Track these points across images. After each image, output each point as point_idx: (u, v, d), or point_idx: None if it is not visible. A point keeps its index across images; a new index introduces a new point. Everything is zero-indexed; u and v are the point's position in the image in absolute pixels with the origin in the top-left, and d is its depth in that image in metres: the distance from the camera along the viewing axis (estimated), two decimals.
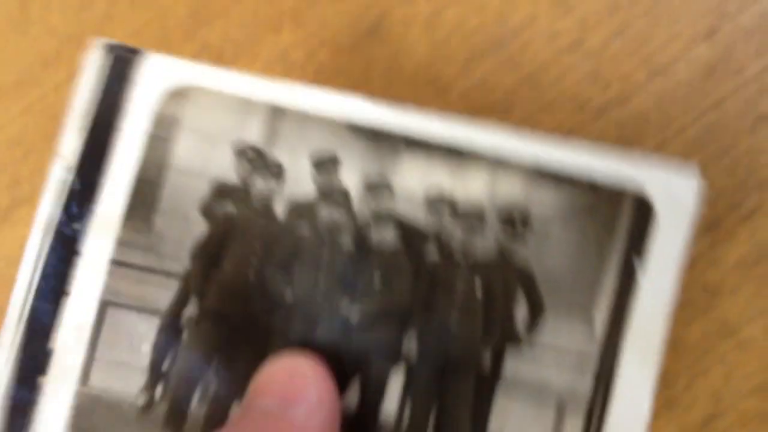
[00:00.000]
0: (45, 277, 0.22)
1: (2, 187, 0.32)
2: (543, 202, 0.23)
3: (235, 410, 0.22)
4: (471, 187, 0.23)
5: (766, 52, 0.30)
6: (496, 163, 0.23)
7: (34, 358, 0.22)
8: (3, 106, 0.33)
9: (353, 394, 0.23)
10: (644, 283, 0.23)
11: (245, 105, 0.23)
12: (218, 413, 0.22)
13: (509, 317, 0.23)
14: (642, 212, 0.23)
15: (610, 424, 0.22)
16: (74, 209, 0.22)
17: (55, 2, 0.34)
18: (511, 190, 0.23)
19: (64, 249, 0.22)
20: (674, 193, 0.23)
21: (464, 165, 0.23)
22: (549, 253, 0.23)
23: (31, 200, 0.31)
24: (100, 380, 0.22)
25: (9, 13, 0.34)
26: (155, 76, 0.23)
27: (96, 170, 0.22)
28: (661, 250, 0.23)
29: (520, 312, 0.23)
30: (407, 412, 0.23)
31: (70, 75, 0.31)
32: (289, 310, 0.23)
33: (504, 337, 0.23)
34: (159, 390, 0.22)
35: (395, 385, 0.23)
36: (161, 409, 0.22)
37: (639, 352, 0.22)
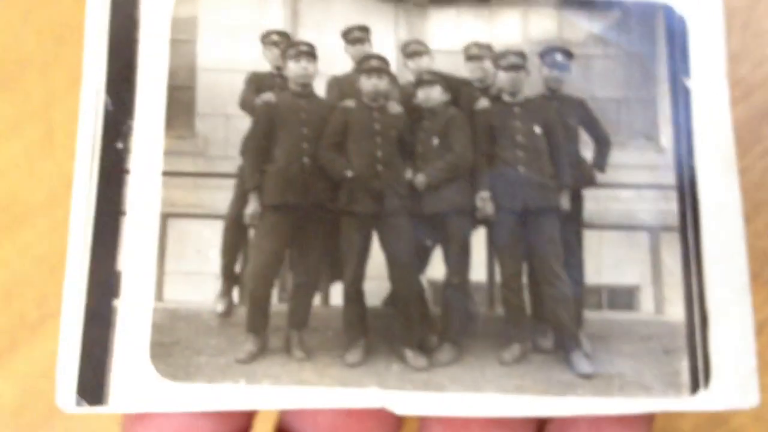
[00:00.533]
0: (99, 200, 0.20)
1: (30, 302, 0.32)
2: (579, 29, 0.23)
3: (317, 300, 0.21)
4: (505, 31, 0.22)
5: None
6: (526, 1, 0.22)
7: (103, 283, 0.20)
8: (31, 225, 0.34)
9: (438, 264, 0.22)
10: (698, 94, 0.22)
11: None
12: (300, 309, 0.21)
13: (577, 156, 0.22)
14: (674, 24, 0.22)
15: (708, 231, 0.21)
16: (113, 128, 0.21)
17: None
18: (545, 25, 0.23)
19: (112, 169, 0.21)
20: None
21: (495, 9, 0.22)
22: (597, 83, 0.23)
23: (59, 314, 0.31)
24: (174, 293, 0.21)
25: (36, 140, 0.35)
26: None
27: (126, 86, 0.21)
28: (704, 58, 0.22)
29: (588, 153, 0.22)
30: (498, 270, 0.22)
31: None
32: (352, 189, 0.22)
33: (577, 176, 0.22)
34: (236, 294, 0.21)
35: (479, 247, 0.22)
36: (242, 313, 0.21)
37: (715, 159, 0.22)
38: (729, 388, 0.21)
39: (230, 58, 0.22)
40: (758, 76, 0.29)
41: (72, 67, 0.34)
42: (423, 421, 0.22)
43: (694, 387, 0.21)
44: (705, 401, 0.21)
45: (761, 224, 0.29)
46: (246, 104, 0.22)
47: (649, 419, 0.21)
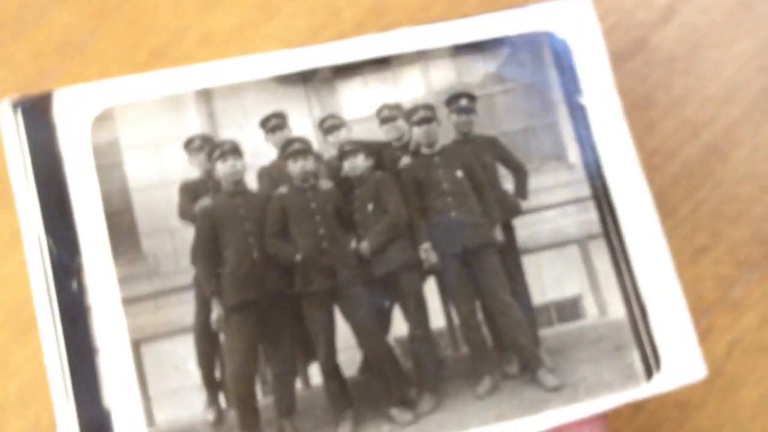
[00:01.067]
0: (68, 344, 0.21)
1: (44, 408, 0.32)
2: (475, 72, 0.24)
3: (298, 384, 0.22)
4: (410, 88, 0.24)
5: None
6: (422, 58, 0.24)
7: (94, 423, 0.21)
8: None
9: (400, 322, 0.23)
10: (593, 110, 0.24)
11: (171, 101, 0.23)
12: (285, 397, 0.22)
13: (500, 190, 0.24)
14: (559, 48, 0.24)
15: (628, 232, 0.23)
16: (63, 270, 0.21)
17: None
18: (444, 75, 0.24)
19: (74, 310, 0.21)
20: (574, 20, 0.24)
21: (397, 70, 0.24)
22: (502, 118, 0.24)
23: None
24: (164, 415, 0.21)
25: None
26: (74, 110, 0.22)
27: (64, 224, 0.21)
28: (591, 75, 0.24)
29: (509, 185, 0.24)
30: (454, 314, 0.23)
31: None
32: (305, 271, 0.23)
33: (504, 208, 0.24)
34: (222, 399, 0.22)
35: (433, 296, 0.23)
36: (232, 416, 0.22)
37: (620, 165, 0.24)
38: (678, 367, 0.23)
39: (159, 173, 0.22)
40: (703, 115, 0.32)
41: None
42: None
43: (648, 374, 0.23)
44: (661, 384, 0.23)
45: (721, 251, 0.31)
46: (185, 214, 0.22)
47: (603, 415, 0.24)
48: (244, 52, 0.34)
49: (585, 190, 0.24)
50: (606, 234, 0.24)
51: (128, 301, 0.22)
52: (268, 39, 0.37)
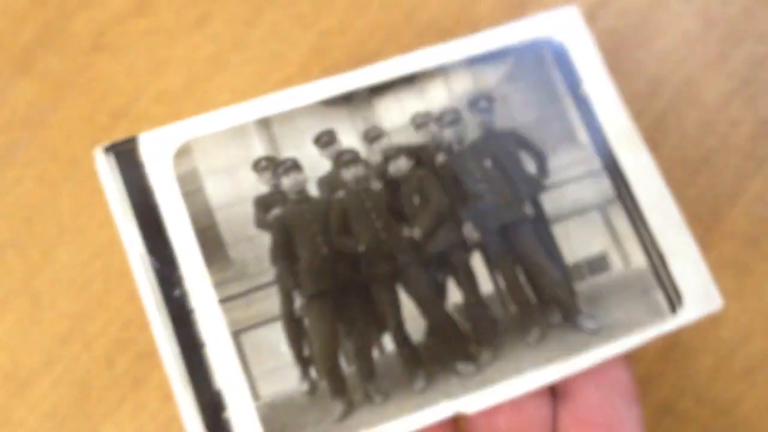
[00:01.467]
0: (180, 342, 0.25)
1: None
2: (489, 77, 0.28)
3: (375, 353, 0.26)
4: (436, 97, 0.28)
5: None
6: (442, 71, 0.28)
7: (211, 403, 0.25)
8: (37, 385, 0.38)
9: (455, 292, 0.27)
10: (593, 97, 0.28)
11: (239, 131, 0.27)
12: (366, 365, 0.26)
13: (524, 173, 0.28)
14: (557, 52, 0.29)
15: (639, 194, 0.27)
16: (165, 281, 0.25)
17: (60, 289, 0.39)
18: (463, 83, 0.28)
19: (179, 313, 0.25)
20: (566, 26, 0.29)
21: (422, 85, 0.28)
22: (518, 113, 0.28)
23: None
24: (267, 390, 0.25)
25: (25, 310, 0.39)
26: (157, 149, 0.26)
27: (162, 244, 0.26)
28: (588, 68, 0.29)
29: (531, 168, 0.28)
30: (500, 279, 0.27)
31: (86, 345, 0.38)
32: (368, 259, 0.27)
33: (530, 187, 0.28)
34: (313, 371, 0.26)
35: (480, 267, 0.27)
36: (323, 385, 0.25)
37: (622, 140, 0.28)
38: (698, 300, 0.27)
39: (235, 192, 0.27)
40: (632, 110, 0.34)
41: (45, 241, 0.39)
42: (473, 419, 0.27)
43: (672, 309, 0.27)
44: (685, 317, 0.27)
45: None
46: (260, 223, 0.27)
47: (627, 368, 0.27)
48: (199, 104, 0.40)
49: (596, 164, 0.28)
50: (620, 197, 0.28)
51: (224, 301, 0.26)
52: (220, 90, 0.41)
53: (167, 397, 0.38)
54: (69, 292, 0.40)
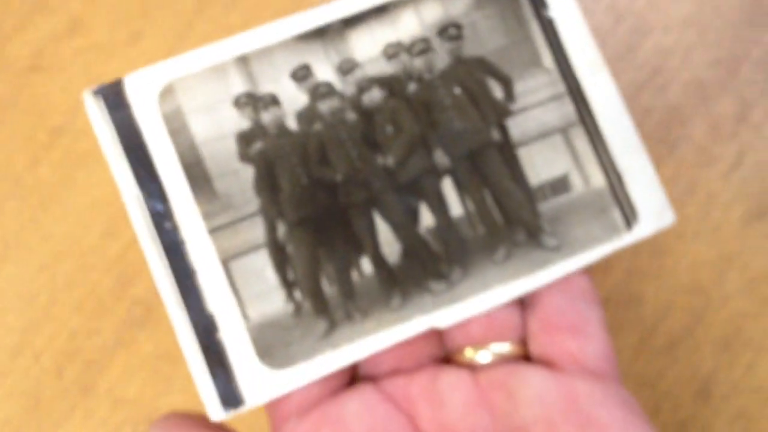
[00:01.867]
0: (173, 269, 0.27)
1: None
2: (458, 4, 0.29)
3: (354, 275, 0.28)
4: (407, 27, 0.29)
5: None
6: (413, 0, 0.29)
7: (204, 324, 0.27)
8: None
9: (427, 216, 0.29)
10: (559, 21, 0.29)
11: (219, 69, 0.28)
12: (346, 285, 0.28)
13: (491, 99, 0.29)
14: None
15: (600, 116, 0.29)
16: (159, 217, 0.27)
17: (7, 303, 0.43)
18: (433, 11, 0.29)
19: (171, 243, 0.27)
20: None
21: (393, 14, 0.29)
22: (486, 39, 0.30)
23: None
24: (255, 311, 0.28)
25: None
26: (143, 90, 0.28)
27: (152, 181, 0.27)
28: None
29: (498, 93, 0.29)
30: (469, 203, 0.29)
31: (35, 358, 0.42)
32: (345, 187, 0.29)
33: (497, 113, 0.29)
34: (297, 293, 0.28)
35: (450, 191, 0.29)
36: (307, 306, 0.28)
37: (587, 65, 0.29)
38: (652, 216, 0.29)
39: (218, 128, 0.28)
40: None
41: None
42: (448, 330, 0.30)
43: (628, 226, 0.29)
44: (640, 232, 0.29)
45: None
46: (244, 157, 0.28)
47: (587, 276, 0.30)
48: None
49: (561, 88, 0.29)
50: (582, 121, 0.29)
51: (212, 231, 0.28)
52: None
53: (116, 403, 0.42)
54: (16, 306, 0.42)
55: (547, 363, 0.28)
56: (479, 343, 0.28)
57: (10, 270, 0.43)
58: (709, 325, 0.42)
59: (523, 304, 0.29)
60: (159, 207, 0.27)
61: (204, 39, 0.43)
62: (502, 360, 0.28)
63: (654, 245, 0.41)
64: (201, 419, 0.28)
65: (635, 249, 0.41)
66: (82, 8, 0.45)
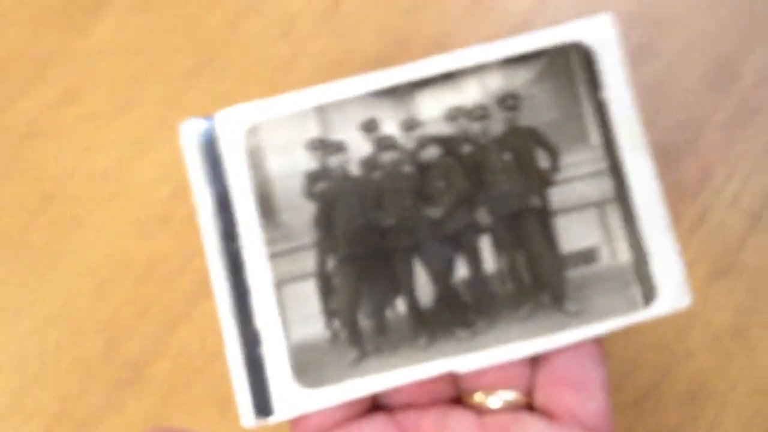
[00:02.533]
0: (232, 286, 0.31)
1: None
2: (519, 78, 0.32)
3: (389, 312, 0.32)
4: (469, 94, 0.32)
5: None
6: (478, 69, 0.32)
7: (250, 339, 0.31)
8: None
9: (462, 267, 0.32)
10: (611, 103, 0.32)
11: (299, 115, 0.32)
12: (379, 319, 0.32)
13: (537, 168, 0.32)
14: (586, 56, 0.32)
15: (636, 196, 0.31)
16: (227, 237, 0.31)
17: None
18: (496, 82, 0.32)
19: (234, 262, 0.31)
20: (599, 33, 0.32)
21: (458, 81, 0.32)
22: (540, 112, 0.32)
23: None
24: (297, 334, 0.31)
25: None
26: (231, 127, 0.32)
27: (227, 206, 0.31)
28: (611, 75, 0.32)
29: (544, 163, 0.32)
30: (502, 261, 0.32)
31: (26, 420, 0.43)
32: (394, 231, 0.32)
33: (541, 181, 0.32)
34: (336, 322, 0.32)
35: (487, 248, 0.32)
36: (343, 334, 0.32)
37: (631, 146, 0.32)
38: (670, 297, 0.32)
39: (291, 167, 0.32)
40: None
41: None
42: (460, 378, 0.33)
43: (646, 303, 0.32)
44: (656, 310, 0.31)
45: None
46: (308, 194, 0.32)
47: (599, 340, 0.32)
48: (127, 183, 0.45)
49: (603, 165, 0.32)
50: (618, 198, 0.32)
51: (271, 256, 0.32)
52: (144, 169, 0.45)
53: None
54: (6, 369, 0.45)
55: (548, 414, 0.31)
56: (489, 389, 0.32)
57: (0, 333, 0.45)
58: (675, 381, 0.44)
59: (535, 357, 0.32)
60: (228, 228, 0.31)
61: (194, 107, 0.46)
62: (508, 407, 0.31)
63: None
64: None
65: None
66: (77, 78, 0.48)
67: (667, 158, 0.45)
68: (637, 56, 0.47)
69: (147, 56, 0.49)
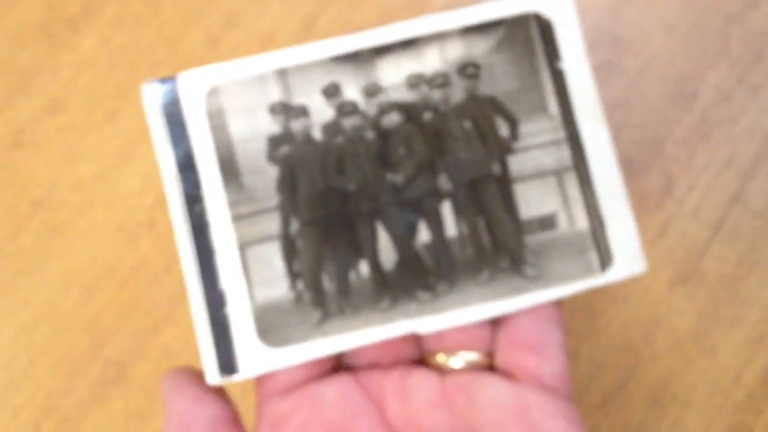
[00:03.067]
0: (196, 247, 0.31)
1: None
2: (479, 46, 0.33)
3: (352, 275, 0.32)
4: (430, 61, 0.33)
5: None
6: (439, 37, 0.33)
7: (215, 299, 0.31)
8: None
9: (424, 232, 0.32)
10: (569, 73, 0.33)
11: (260, 78, 0.32)
12: (343, 283, 0.32)
13: (497, 135, 0.33)
14: (543, 26, 0.33)
15: (593, 165, 0.32)
16: (190, 198, 0.31)
17: None
18: (456, 50, 0.33)
19: (199, 224, 0.31)
20: (556, 4, 0.33)
21: (419, 48, 0.32)
22: (500, 81, 0.33)
23: None
24: (261, 294, 0.31)
25: None
26: (193, 88, 0.32)
27: (191, 167, 0.31)
28: (568, 46, 0.33)
29: (504, 131, 0.33)
30: (463, 226, 0.32)
31: (14, 414, 0.44)
32: (355, 196, 0.32)
33: (500, 149, 0.33)
34: (300, 284, 0.32)
35: (448, 213, 0.33)
36: (307, 296, 0.32)
37: (588, 115, 0.32)
38: (625, 263, 0.32)
39: (252, 130, 0.32)
40: None
41: None
42: (425, 335, 0.33)
43: (603, 268, 0.32)
44: (612, 276, 0.32)
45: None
46: (271, 158, 0.32)
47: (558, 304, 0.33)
48: (111, 191, 0.48)
49: (561, 134, 0.33)
50: (576, 167, 0.33)
51: (235, 218, 0.32)
52: (129, 177, 0.48)
53: None
54: None
55: (508, 375, 0.31)
56: (451, 350, 0.32)
57: None
58: (640, 382, 0.46)
59: (495, 320, 0.33)
60: (192, 191, 0.31)
61: None
62: (469, 367, 0.32)
63: (588, 307, 0.45)
64: (204, 391, 0.32)
65: (571, 310, 0.46)
66: (61, 90, 0.50)
67: (631, 171, 0.47)
68: (602, 74, 0.49)
69: (130, 69, 0.50)
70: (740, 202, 0.48)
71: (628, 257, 0.32)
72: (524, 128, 0.33)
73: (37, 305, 0.48)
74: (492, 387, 0.30)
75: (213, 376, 0.31)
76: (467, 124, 0.33)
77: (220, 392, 0.31)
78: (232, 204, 0.31)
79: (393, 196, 0.32)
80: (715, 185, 0.48)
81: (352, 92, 0.32)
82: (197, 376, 0.32)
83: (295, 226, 0.32)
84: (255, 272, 0.32)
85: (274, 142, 0.32)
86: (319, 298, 0.32)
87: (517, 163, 0.33)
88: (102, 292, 0.48)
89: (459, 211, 0.32)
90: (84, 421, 0.46)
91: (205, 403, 0.31)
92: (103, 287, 0.48)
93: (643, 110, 0.49)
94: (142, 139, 0.49)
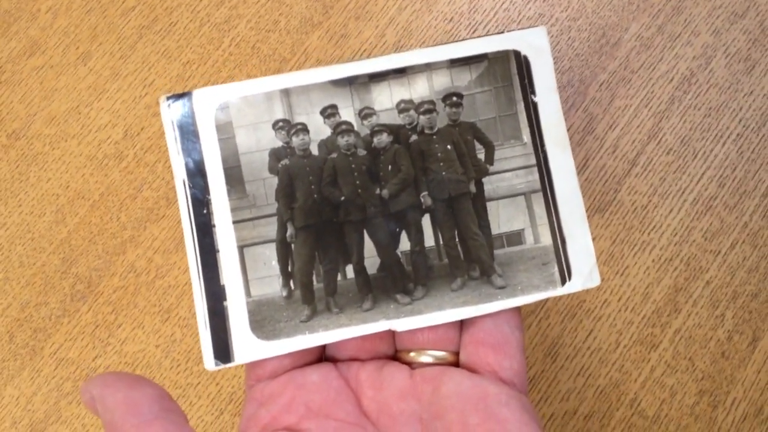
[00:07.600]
0: (200, 246, 0.35)
1: None
2: (463, 78, 0.37)
3: (339, 278, 0.36)
4: (419, 89, 0.36)
5: None
6: (428, 68, 0.36)
7: (215, 293, 0.35)
8: None
9: (405, 241, 0.36)
10: (541, 105, 0.36)
11: (266, 97, 0.36)
12: (331, 284, 0.36)
13: (475, 158, 0.37)
14: (521, 62, 0.37)
15: (558, 189, 0.36)
16: (198, 203, 0.35)
17: None
18: (442, 81, 0.36)
19: (205, 226, 0.35)
20: (534, 43, 0.37)
21: (410, 77, 0.36)
22: (480, 110, 0.37)
23: None
24: (256, 291, 0.35)
25: None
26: (206, 103, 0.35)
27: (200, 175, 0.35)
28: (542, 81, 0.37)
29: (482, 155, 0.37)
30: (441, 237, 0.36)
31: None
32: (346, 207, 0.36)
33: (477, 170, 0.36)
34: (292, 283, 0.36)
35: (427, 226, 0.36)
36: (297, 294, 0.36)
37: (556, 144, 0.36)
38: (582, 277, 0.36)
39: (257, 143, 0.36)
40: None
41: None
42: (400, 334, 0.37)
43: (563, 281, 0.36)
44: (570, 288, 0.36)
45: None
46: (272, 169, 0.36)
47: (518, 308, 0.37)
48: (83, 125, 0.53)
49: (532, 160, 0.37)
50: (543, 189, 0.37)
51: (236, 222, 0.35)
52: (99, 112, 0.53)
53: (59, 363, 0.50)
54: None
55: (471, 369, 0.35)
56: (422, 348, 0.36)
57: None
58: (557, 298, 0.51)
59: (462, 322, 0.37)
60: (200, 195, 0.35)
61: (143, 60, 0.53)
62: (437, 362, 0.36)
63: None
64: (135, 378, 0.31)
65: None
66: (39, 33, 0.55)
67: None
68: (534, 24, 0.54)
69: (103, 14, 0.55)
70: (655, 139, 0.52)
71: (586, 272, 0.36)
72: (500, 153, 0.36)
73: (13, 227, 0.52)
74: (455, 379, 0.34)
75: (210, 362, 0.34)
76: (449, 147, 0.37)
77: (144, 377, 0.32)
78: (235, 209, 0.35)
79: (380, 208, 0.36)
80: (632, 125, 0.52)
81: (347, 113, 0.36)
82: (119, 375, 0.31)
83: (290, 230, 0.36)
84: (252, 271, 0.35)
85: (276, 154, 0.36)
86: (309, 297, 0.35)
87: (491, 184, 0.36)
88: (73, 216, 0.52)
89: (437, 224, 0.36)
90: (55, 332, 0.50)
91: (141, 385, 0.30)
92: (74, 211, 0.53)
93: (570, 57, 0.54)
94: (113, 78, 0.53)
